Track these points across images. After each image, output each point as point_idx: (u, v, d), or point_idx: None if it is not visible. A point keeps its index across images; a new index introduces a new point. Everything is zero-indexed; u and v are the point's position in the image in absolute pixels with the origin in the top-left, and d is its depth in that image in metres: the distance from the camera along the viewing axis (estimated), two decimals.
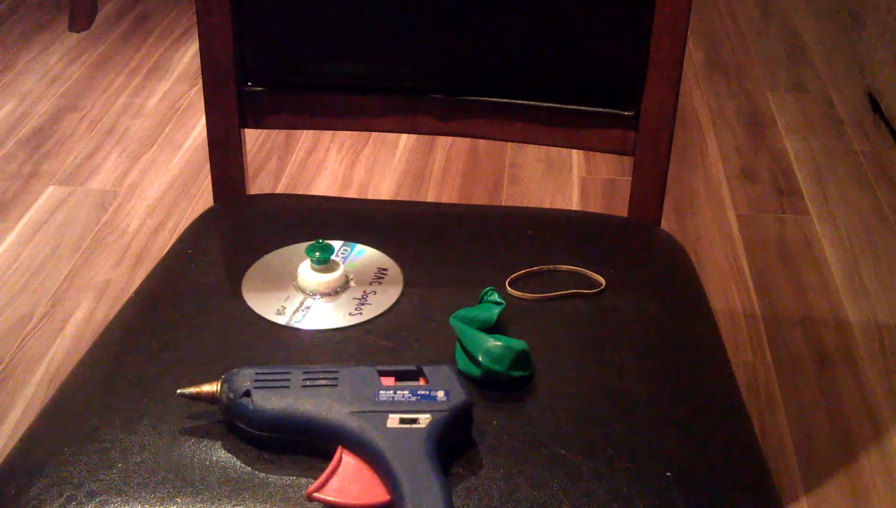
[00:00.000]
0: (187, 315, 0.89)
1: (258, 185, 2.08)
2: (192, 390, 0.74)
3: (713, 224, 1.96)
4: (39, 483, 0.72)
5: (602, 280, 0.92)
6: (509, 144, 2.19)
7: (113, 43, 2.69)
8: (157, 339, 0.86)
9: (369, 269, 0.93)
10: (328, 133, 2.25)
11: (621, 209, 1.08)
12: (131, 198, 2.03)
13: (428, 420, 0.70)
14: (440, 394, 0.72)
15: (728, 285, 1.79)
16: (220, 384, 0.74)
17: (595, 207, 2.01)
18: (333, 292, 0.90)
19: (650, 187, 1.05)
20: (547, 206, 2.01)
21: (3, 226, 1.93)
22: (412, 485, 0.66)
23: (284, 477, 0.71)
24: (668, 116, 1.02)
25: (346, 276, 0.91)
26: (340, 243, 0.96)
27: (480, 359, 0.78)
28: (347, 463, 0.69)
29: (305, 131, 2.26)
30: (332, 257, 0.91)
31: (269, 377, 0.73)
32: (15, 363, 1.60)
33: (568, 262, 0.95)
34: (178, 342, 0.85)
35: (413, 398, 0.72)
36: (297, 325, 0.86)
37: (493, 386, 0.78)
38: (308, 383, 0.73)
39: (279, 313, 0.87)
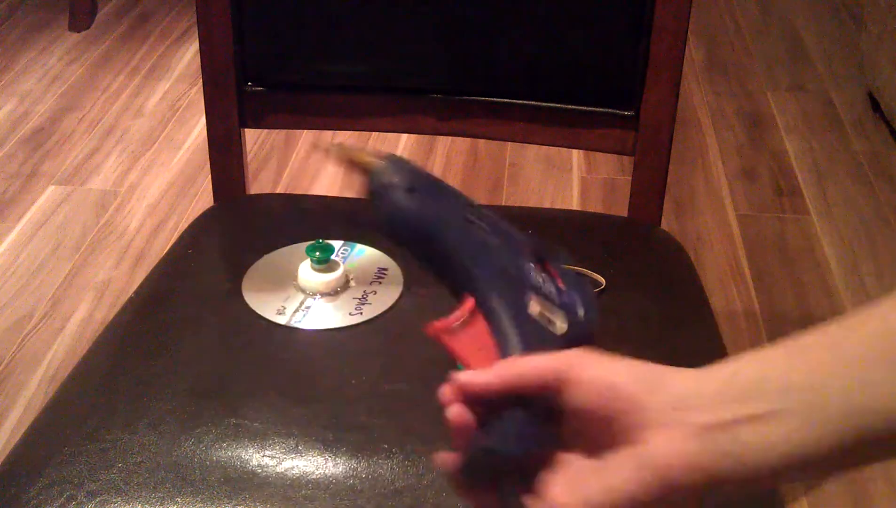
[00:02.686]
0: (187, 315, 0.89)
1: (258, 185, 2.07)
2: (355, 151, 0.61)
3: (713, 224, 1.96)
4: (39, 483, 0.72)
5: (602, 280, 0.92)
6: (509, 144, 2.18)
7: (113, 43, 2.69)
8: (157, 339, 0.86)
9: (369, 269, 0.93)
10: (328, 133, 2.25)
11: (621, 209, 1.08)
12: (131, 198, 2.03)
13: (564, 332, 0.60)
14: (581, 313, 0.61)
15: (728, 285, 1.79)
16: (385, 161, 0.61)
17: (595, 207, 2.01)
18: (333, 292, 0.90)
19: (650, 187, 1.05)
20: (547, 206, 2.00)
21: (3, 226, 1.93)
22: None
23: (284, 477, 0.71)
24: (668, 116, 1.02)
25: (346, 276, 0.91)
26: (340, 243, 0.96)
27: None
28: (478, 321, 0.59)
29: (305, 131, 2.26)
30: (332, 257, 0.91)
31: (434, 188, 0.62)
32: (15, 363, 1.60)
33: (568, 262, 0.95)
34: (178, 342, 0.85)
35: (557, 300, 0.61)
36: (297, 325, 0.86)
37: None
38: (471, 218, 0.61)
39: (279, 313, 0.87)
